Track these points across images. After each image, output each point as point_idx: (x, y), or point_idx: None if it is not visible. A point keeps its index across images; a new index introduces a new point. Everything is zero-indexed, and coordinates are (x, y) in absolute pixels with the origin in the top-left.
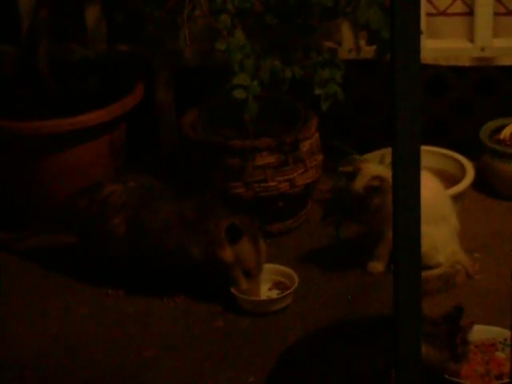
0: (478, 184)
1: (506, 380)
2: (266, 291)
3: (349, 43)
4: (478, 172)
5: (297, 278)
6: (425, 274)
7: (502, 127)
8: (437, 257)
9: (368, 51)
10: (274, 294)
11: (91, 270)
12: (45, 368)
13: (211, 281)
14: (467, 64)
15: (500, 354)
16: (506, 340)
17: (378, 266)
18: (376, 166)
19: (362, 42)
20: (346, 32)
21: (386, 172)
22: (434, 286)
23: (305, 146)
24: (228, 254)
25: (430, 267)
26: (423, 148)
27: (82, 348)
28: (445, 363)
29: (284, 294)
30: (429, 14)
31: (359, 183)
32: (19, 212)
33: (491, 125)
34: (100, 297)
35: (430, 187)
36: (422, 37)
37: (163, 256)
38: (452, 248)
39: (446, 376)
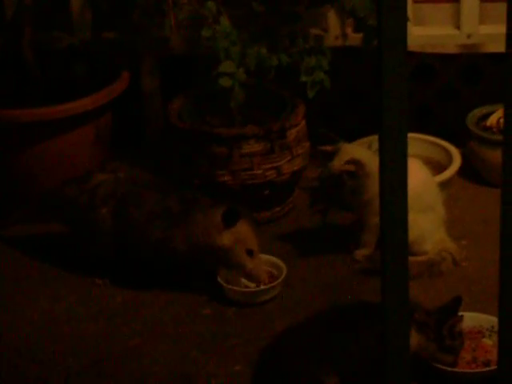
0: (465, 171)
1: (493, 367)
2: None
3: (335, 30)
4: (465, 159)
5: (285, 267)
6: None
7: (489, 114)
8: (423, 245)
9: (355, 38)
10: (261, 284)
11: (78, 258)
12: (32, 356)
13: (196, 270)
14: (453, 51)
15: (487, 341)
16: (492, 327)
17: (364, 254)
18: (356, 149)
19: (349, 29)
20: (333, 19)
21: (365, 156)
22: (415, 271)
23: (291, 134)
24: (226, 238)
25: (416, 255)
26: (410, 135)
27: (69, 336)
28: (434, 354)
29: (272, 284)
30: (415, 1)
31: (336, 164)
32: (5, 200)
33: (478, 112)
34: (87, 285)
35: (418, 176)
36: (409, 24)
37: (148, 247)
38: (439, 236)
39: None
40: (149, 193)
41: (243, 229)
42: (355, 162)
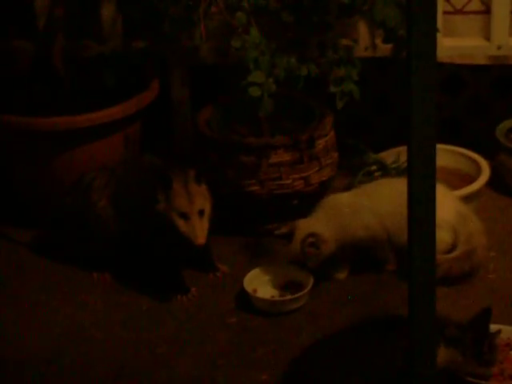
0: (494, 183)
1: None
2: (278, 291)
3: (365, 41)
4: (494, 171)
5: (311, 277)
6: (442, 257)
7: None
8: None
9: (384, 49)
10: (288, 293)
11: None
12: (58, 364)
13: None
14: (483, 62)
15: None
16: None
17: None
18: (310, 223)
19: (379, 40)
20: (363, 30)
21: (317, 226)
22: (455, 268)
23: (320, 144)
24: (162, 202)
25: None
26: (439, 146)
27: (94, 343)
28: (474, 369)
29: (299, 294)
30: (445, 12)
31: (298, 240)
32: (34, 209)
33: (507, 123)
34: (113, 293)
35: (451, 207)
36: (439, 35)
37: (146, 225)
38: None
39: (461, 375)
40: (137, 167)
41: (175, 192)
42: (313, 234)
